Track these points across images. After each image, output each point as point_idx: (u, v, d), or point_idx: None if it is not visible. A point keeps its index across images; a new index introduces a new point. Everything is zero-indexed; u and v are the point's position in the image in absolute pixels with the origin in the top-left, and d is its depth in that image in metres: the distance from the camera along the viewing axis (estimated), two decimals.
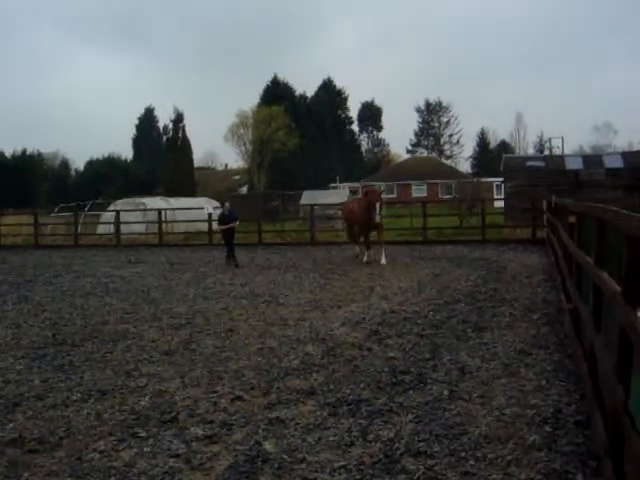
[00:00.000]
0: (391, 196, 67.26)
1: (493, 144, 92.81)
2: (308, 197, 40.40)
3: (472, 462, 5.02)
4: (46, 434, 5.92)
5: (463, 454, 5.16)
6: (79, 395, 7.02)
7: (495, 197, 47.90)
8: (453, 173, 69.72)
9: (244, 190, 74.00)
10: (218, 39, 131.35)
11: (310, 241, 26.82)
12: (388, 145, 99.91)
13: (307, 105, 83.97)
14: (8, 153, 73.67)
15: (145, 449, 5.49)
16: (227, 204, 21.64)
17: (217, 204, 38.03)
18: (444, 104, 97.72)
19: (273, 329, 10.01)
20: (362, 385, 7.02)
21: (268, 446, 5.45)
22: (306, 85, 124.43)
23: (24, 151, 74.57)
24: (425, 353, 8.28)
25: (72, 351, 9.07)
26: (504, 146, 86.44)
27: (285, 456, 5.23)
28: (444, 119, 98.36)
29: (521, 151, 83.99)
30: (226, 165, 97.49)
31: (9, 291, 15.36)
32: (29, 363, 8.50)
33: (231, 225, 20.10)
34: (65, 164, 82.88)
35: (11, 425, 6.20)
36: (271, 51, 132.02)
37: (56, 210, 39.03)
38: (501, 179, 38.38)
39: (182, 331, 10.10)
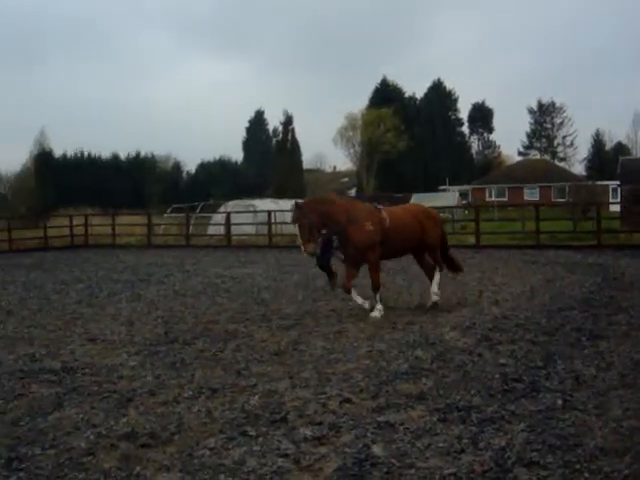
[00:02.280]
0: (502, 199, 66.21)
1: (609, 146, 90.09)
2: (417, 200, 40.06)
3: (587, 475, 4.82)
4: (158, 429, 6.03)
5: (578, 466, 4.96)
6: (190, 392, 7.14)
7: (611, 201, 46.37)
8: (567, 176, 68.14)
9: (352, 192, 74.17)
10: (327, 41, 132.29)
11: None
12: (499, 147, 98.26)
13: (417, 107, 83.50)
14: (123, 155, 76.21)
15: (254, 448, 5.51)
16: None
17: None
18: (557, 105, 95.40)
19: (382, 332, 9.94)
20: (473, 391, 6.87)
21: (377, 450, 5.39)
22: (415, 86, 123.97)
23: (138, 154, 77.04)
24: (538, 361, 8.04)
25: (183, 349, 9.25)
26: (620, 148, 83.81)
27: (394, 460, 5.16)
28: (557, 120, 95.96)
29: (639, 153, 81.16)
30: (335, 167, 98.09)
31: (123, 289, 15.81)
32: (142, 360, 8.71)
33: None
34: (177, 166, 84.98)
35: (124, 419, 6.35)
36: (381, 53, 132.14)
37: (168, 211, 39.98)
38: (617, 182, 37.18)
39: (291, 332, 10.15)
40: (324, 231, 11.60)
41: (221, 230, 32.45)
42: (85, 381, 7.73)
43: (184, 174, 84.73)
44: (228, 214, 31.70)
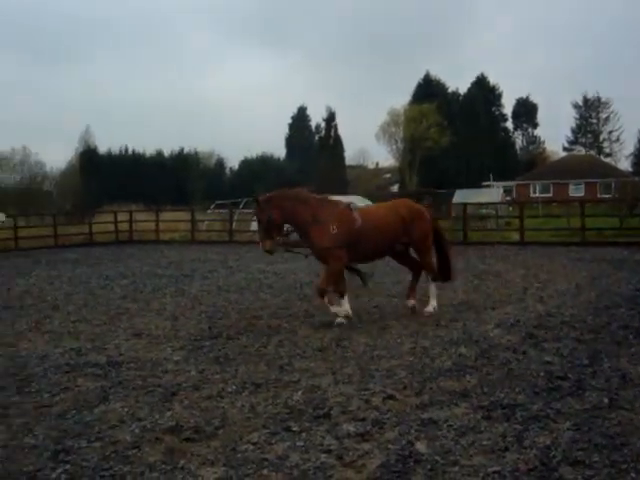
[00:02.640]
0: (547, 195, 65.50)
1: None
2: (460, 196, 39.79)
3: (633, 475, 4.75)
4: (202, 424, 6.07)
5: (624, 466, 4.89)
6: (234, 387, 7.18)
7: None
8: (613, 172, 67.11)
9: (395, 188, 73.96)
10: (371, 37, 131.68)
11: (463, 240, 26.39)
12: (543, 142, 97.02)
13: (460, 102, 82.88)
14: (167, 152, 76.85)
15: (298, 443, 5.52)
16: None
17: (369, 202, 38.07)
18: (603, 100, 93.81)
19: (425, 329, 9.89)
20: (517, 389, 6.80)
21: (420, 447, 5.36)
22: (459, 81, 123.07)
23: (181, 150, 77.62)
24: (584, 359, 7.93)
25: (227, 344, 9.30)
26: None
27: (438, 458, 5.13)
28: (603, 115, 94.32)
29: None
30: (377, 163, 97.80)
31: (167, 285, 15.95)
32: (186, 354, 8.78)
33: None
34: (220, 163, 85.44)
35: (169, 413, 6.41)
36: (423, 47, 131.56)
37: (212, 207, 40.24)
38: None
39: (334, 328, 10.14)
40: (288, 228, 11.04)
41: None
42: (130, 375, 7.82)
43: (227, 170, 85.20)
44: None
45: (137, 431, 5.94)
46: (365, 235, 10.63)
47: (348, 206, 10.96)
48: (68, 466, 5.23)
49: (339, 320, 10.44)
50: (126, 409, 6.58)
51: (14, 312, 12.64)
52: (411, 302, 11.31)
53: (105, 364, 8.37)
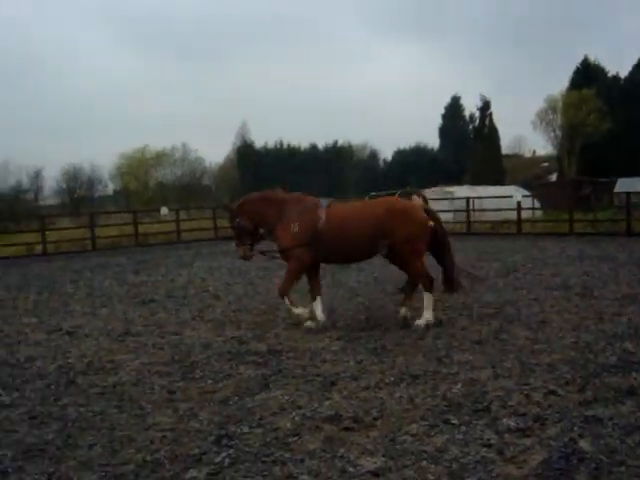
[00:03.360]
0: None
1: None
2: (623, 185, 38.16)
3: None
4: (360, 413, 6.12)
5: None
6: (392, 378, 7.19)
7: None
8: None
9: (553, 177, 71.82)
10: (524, 22, 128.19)
11: (626, 232, 25.29)
12: None
13: (621, 87, 79.33)
14: (321, 145, 77.78)
15: (457, 436, 5.47)
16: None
17: (526, 192, 37.26)
18: None
19: (587, 323, 9.55)
20: None
21: (584, 444, 5.18)
22: (619, 65, 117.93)
23: (335, 143, 78.28)
24: None
25: (384, 335, 9.32)
26: None
27: (602, 457, 4.94)
28: None
29: None
30: (534, 152, 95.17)
31: (323, 275, 16.12)
32: (344, 345, 8.86)
33: None
34: (374, 154, 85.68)
35: (328, 402, 6.50)
36: (580, 31, 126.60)
37: (366, 199, 40.35)
38: None
39: (492, 320, 9.97)
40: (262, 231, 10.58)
41: None
42: (290, 364, 7.98)
43: (380, 162, 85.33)
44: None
45: (297, 419, 6.06)
46: (328, 234, 9.84)
47: (315, 204, 10.29)
48: (231, 450, 5.40)
49: (307, 324, 10.00)
50: (286, 397, 6.72)
51: (178, 301, 13.19)
52: (402, 310, 10.24)
53: (265, 352, 8.59)
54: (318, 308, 10.19)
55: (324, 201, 10.37)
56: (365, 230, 9.75)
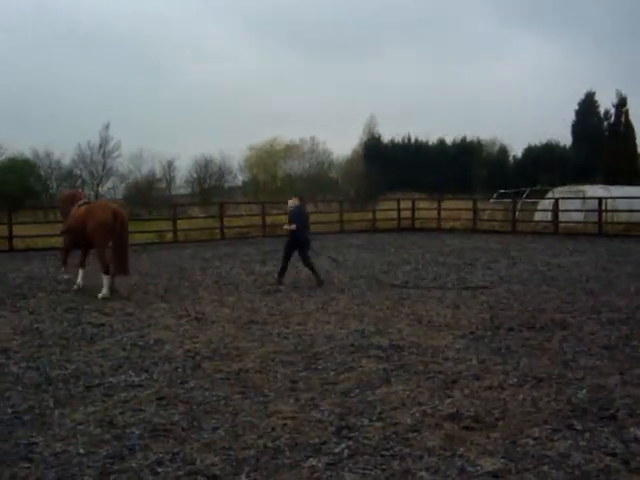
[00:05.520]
0: None
1: None
2: None
3: None
4: (482, 413, 6.06)
5: None
6: (515, 380, 7.08)
7: None
8: None
9: None
10: None
11: None
12: None
13: None
14: (449, 140, 76.89)
15: (581, 443, 5.34)
16: (291, 201, 16.08)
17: None
18: None
19: None
20: None
21: None
22: None
23: (464, 138, 77.20)
24: None
25: (509, 335, 9.18)
26: None
27: None
28: None
29: None
30: None
31: (449, 273, 16.03)
32: (467, 343, 8.79)
33: (291, 228, 14.97)
34: (503, 150, 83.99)
35: (449, 400, 6.47)
36: None
37: (494, 196, 39.71)
38: None
39: (622, 326, 9.65)
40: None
41: (548, 217, 31.63)
42: (411, 360, 7.98)
43: (510, 159, 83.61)
44: (556, 200, 30.79)
45: (417, 415, 6.06)
46: (70, 228, 14.21)
47: (80, 206, 14.13)
48: (350, 442, 5.45)
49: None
50: (407, 392, 6.73)
51: (303, 292, 13.38)
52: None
53: (388, 347, 8.61)
54: (80, 276, 14.24)
55: None
56: (75, 226, 13.98)
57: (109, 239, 13.49)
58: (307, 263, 14.88)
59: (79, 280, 14.16)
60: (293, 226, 14.82)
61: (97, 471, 4.99)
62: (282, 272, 14.83)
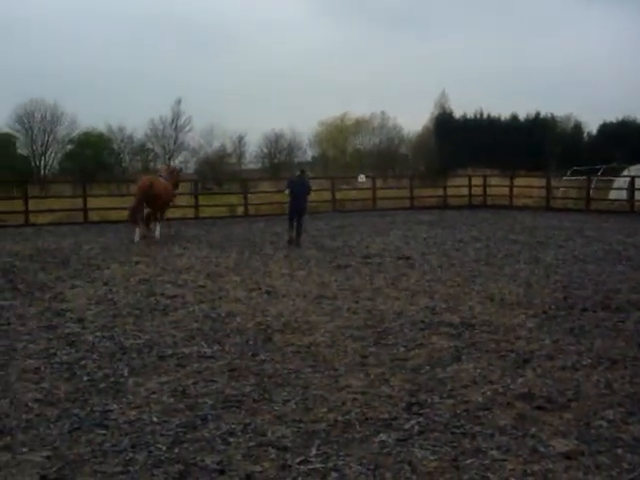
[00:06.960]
0: None
1: None
2: None
3: None
4: (554, 394, 6.01)
5: None
6: (589, 361, 6.99)
7: None
8: None
9: None
10: None
11: None
12: None
13: None
14: (522, 116, 75.55)
15: None
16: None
17: None
18: None
19: None
20: None
21: None
22: None
23: (537, 114, 75.76)
24: None
25: (582, 316, 9.04)
26: None
27: None
28: None
29: None
30: None
31: (521, 250, 15.80)
32: (540, 322, 8.69)
33: (286, 193, 18.31)
34: (578, 127, 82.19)
35: (521, 380, 6.42)
36: None
37: (568, 173, 38.95)
38: None
39: None
40: None
41: (623, 195, 30.91)
42: (483, 338, 7.93)
43: (585, 135, 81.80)
44: (632, 178, 30.02)
45: (489, 393, 6.03)
46: None
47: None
48: (421, 419, 5.47)
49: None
50: (478, 370, 6.70)
51: (373, 268, 13.36)
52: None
53: (459, 324, 8.57)
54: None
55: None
56: None
57: (143, 200, 17.87)
58: (299, 226, 17.42)
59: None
60: (287, 191, 17.85)
61: (170, 439, 5.11)
62: (289, 231, 17.55)
